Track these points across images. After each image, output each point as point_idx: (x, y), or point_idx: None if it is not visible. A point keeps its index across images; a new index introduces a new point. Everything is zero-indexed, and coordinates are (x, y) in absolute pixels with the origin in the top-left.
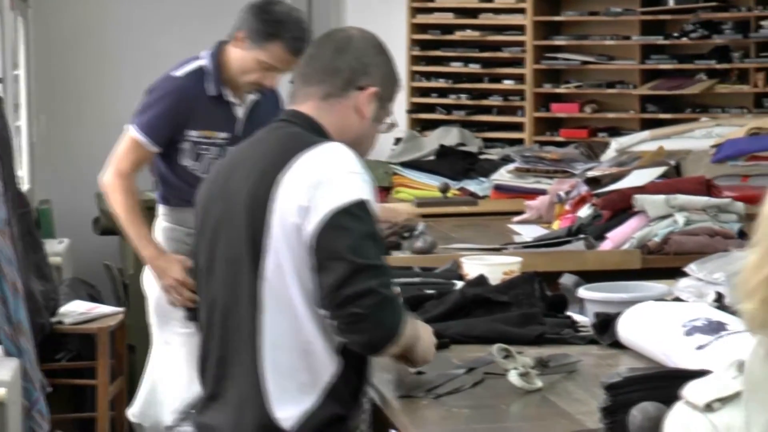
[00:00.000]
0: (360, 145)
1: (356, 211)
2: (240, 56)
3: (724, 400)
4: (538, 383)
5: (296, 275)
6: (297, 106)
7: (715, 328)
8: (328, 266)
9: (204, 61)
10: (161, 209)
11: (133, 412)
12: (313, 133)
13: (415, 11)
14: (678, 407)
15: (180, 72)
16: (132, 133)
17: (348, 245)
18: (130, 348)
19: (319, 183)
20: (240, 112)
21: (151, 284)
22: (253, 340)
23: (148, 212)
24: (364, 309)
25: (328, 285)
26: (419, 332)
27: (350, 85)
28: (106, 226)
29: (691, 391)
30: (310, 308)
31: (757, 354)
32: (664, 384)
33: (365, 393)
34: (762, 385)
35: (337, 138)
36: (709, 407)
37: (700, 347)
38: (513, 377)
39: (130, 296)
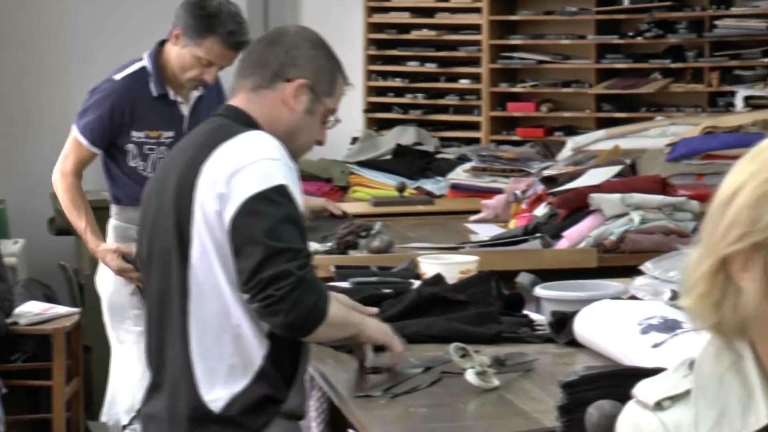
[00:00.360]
0: (294, 137)
1: (273, 196)
2: (178, 54)
3: (674, 399)
4: (495, 382)
5: (221, 261)
6: (232, 100)
7: (670, 326)
8: (244, 251)
9: (145, 62)
10: (113, 209)
11: (102, 412)
12: (243, 124)
13: (371, 11)
14: (629, 406)
15: (120, 75)
16: (74, 133)
17: (263, 229)
18: (86, 349)
19: (237, 170)
20: (185, 110)
21: (104, 284)
22: (184, 326)
23: (100, 212)
24: (280, 291)
25: (246, 269)
26: (362, 315)
27: (278, 77)
28: (62, 227)
29: (641, 389)
30: (236, 293)
31: (707, 352)
32: (621, 382)
33: (300, 377)
34: (711, 383)
35: (269, 130)
36: (659, 406)
37: (655, 345)
38: (470, 376)
39: (86, 297)
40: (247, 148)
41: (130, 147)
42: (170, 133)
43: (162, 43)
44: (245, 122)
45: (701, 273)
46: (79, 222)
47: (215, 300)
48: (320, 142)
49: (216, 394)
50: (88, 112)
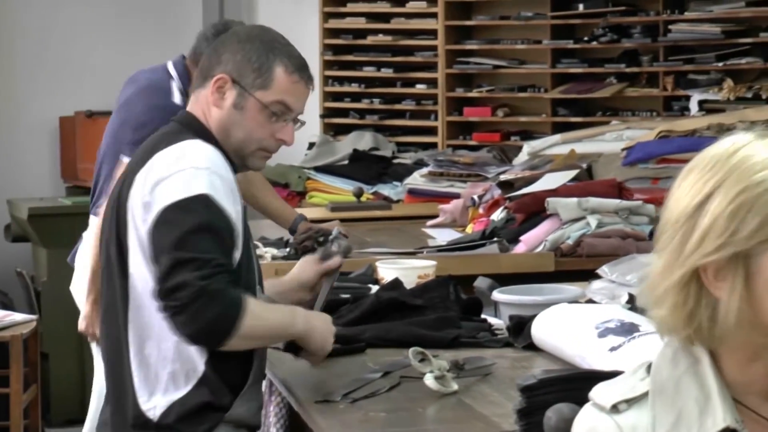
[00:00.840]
0: (228, 134)
1: (190, 204)
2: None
3: (631, 402)
4: (454, 386)
5: (151, 272)
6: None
7: (627, 330)
8: (157, 260)
9: (180, 84)
10: (95, 220)
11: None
12: (189, 129)
13: (328, 16)
14: (585, 409)
15: (177, 99)
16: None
17: (172, 239)
18: (44, 356)
19: (161, 179)
20: None
21: (82, 296)
22: (126, 334)
23: (55, 219)
24: (178, 302)
25: (156, 279)
26: (312, 322)
27: (207, 76)
28: (18, 233)
29: (598, 392)
30: None
31: (665, 355)
32: (579, 385)
33: (252, 385)
34: (668, 386)
35: (213, 130)
36: (615, 408)
37: (613, 348)
38: (429, 380)
39: (43, 304)
40: (176, 157)
41: None
42: None
43: (185, 62)
44: (192, 127)
45: (671, 284)
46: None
47: (154, 308)
48: (285, 142)
49: (154, 402)
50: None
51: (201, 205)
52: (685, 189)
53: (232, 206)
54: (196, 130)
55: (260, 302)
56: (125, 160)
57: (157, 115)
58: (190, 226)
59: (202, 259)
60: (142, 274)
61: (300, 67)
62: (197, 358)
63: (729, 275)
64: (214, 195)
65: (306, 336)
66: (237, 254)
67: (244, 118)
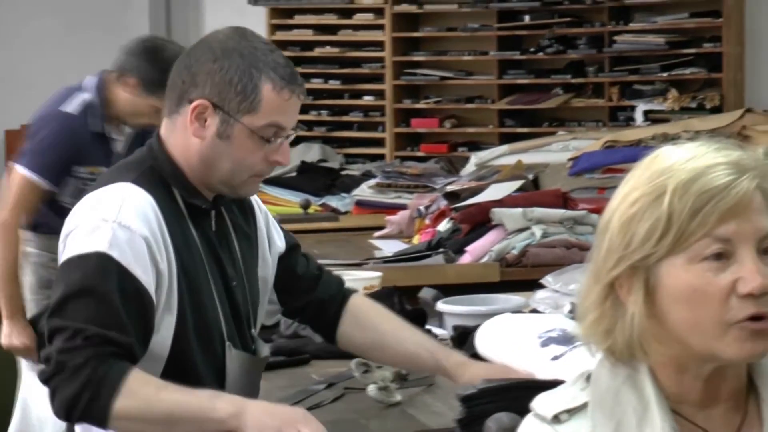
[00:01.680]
0: (212, 167)
1: (81, 262)
2: (131, 101)
3: (572, 412)
4: (397, 397)
5: None
6: None
7: (569, 339)
8: None
9: (88, 96)
10: (27, 234)
11: None
12: (138, 165)
13: (275, 28)
14: (527, 419)
15: (71, 108)
16: (24, 174)
17: (53, 303)
18: None
19: (71, 230)
20: (119, 146)
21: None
22: None
23: None
24: (43, 376)
25: None
26: (247, 409)
27: (183, 100)
28: None
29: (539, 402)
30: None
31: (603, 365)
32: (519, 394)
33: None
34: (607, 396)
35: (183, 159)
36: (556, 419)
37: (555, 358)
38: (372, 391)
39: None
40: (90, 206)
41: (71, 181)
42: (104, 169)
43: (105, 76)
44: (144, 164)
45: (591, 301)
46: (12, 288)
47: None
48: (280, 163)
49: None
50: (42, 148)
51: (91, 265)
52: (610, 203)
53: (146, 264)
54: (156, 157)
55: (159, 382)
56: (16, 167)
57: (44, 124)
58: (71, 290)
59: (71, 329)
60: None
61: (289, 78)
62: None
63: (634, 289)
64: (114, 253)
65: (238, 424)
66: (169, 316)
67: (231, 148)
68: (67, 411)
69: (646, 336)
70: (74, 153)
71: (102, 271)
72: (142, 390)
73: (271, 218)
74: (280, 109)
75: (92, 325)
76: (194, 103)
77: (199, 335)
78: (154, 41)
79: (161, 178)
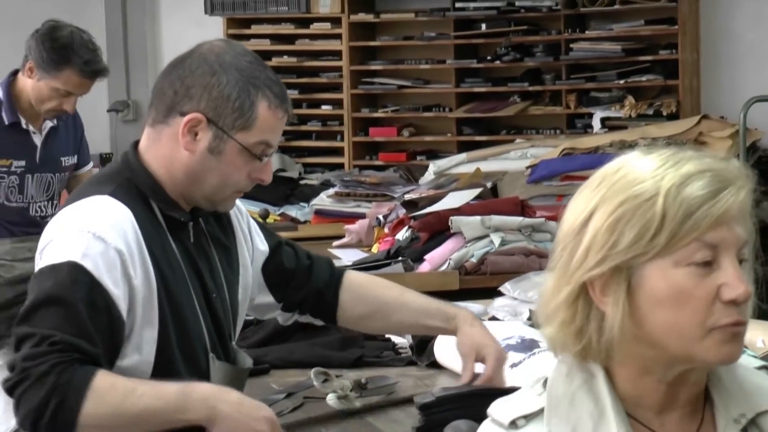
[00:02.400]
0: (198, 182)
1: (52, 272)
2: (34, 86)
3: (528, 417)
4: (357, 404)
5: None
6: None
7: (528, 346)
8: None
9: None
10: None
11: None
12: (114, 177)
13: (232, 38)
14: (484, 425)
15: None
16: None
17: (22, 311)
18: None
19: (46, 244)
20: (38, 140)
21: None
22: None
23: None
24: (8, 383)
25: None
26: (218, 407)
27: (173, 111)
28: None
29: (496, 408)
30: None
31: (560, 371)
32: (476, 402)
33: None
34: (563, 401)
35: (165, 171)
36: (513, 424)
37: (513, 365)
38: (332, 400)
39: None
40: (67, 218)
41: None
42: (21, 163)
43: (15, 72)
44: (120, 175)
45: (561, 301)
46: None
47: None
48: (263, 181)
49: None
50: None
51: (62, 274)
52: (574, 207)
53: (117, 278)
54: (127, 178)
55: (126, 383)
56: None
57: None
58: (40, 298)
59: (39, 336)
60: None
61: (282, 98)
62: None
63: (612, 289)
64: (87, 263)
65: (210, 424)
66: (150, 330)
67: (220, 163)
68: (33, 421)
69: (622, 337)
70: None
71: (73, 281)
72: (109, 394)
73: (253, 223)
74: (272, 127)
75: (59, 332)
76: (188, 117)
77: (183, 348)
78: (50, 23)
79: (138, 190)
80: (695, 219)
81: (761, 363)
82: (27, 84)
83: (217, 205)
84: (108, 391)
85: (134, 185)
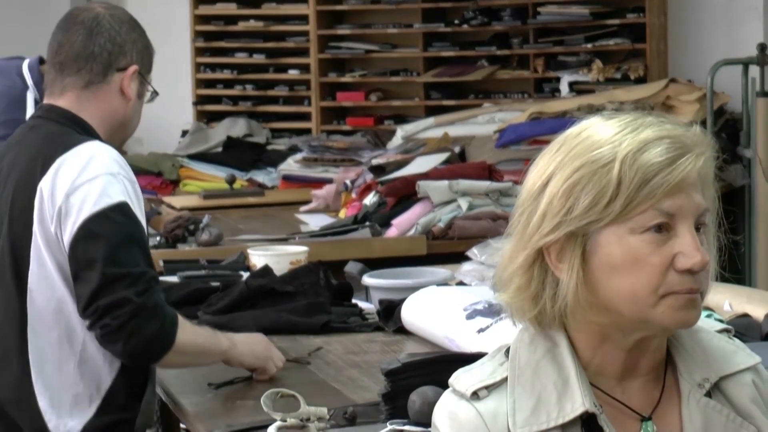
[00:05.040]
0: (128, 125)
1: (112, 215)
2: None
3: (491, 387)
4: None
5: (65, 283)
6: (54, 100)
7: (495, 311)
8: (82, 276)
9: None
10: None
11: None
12: (74, 128)
13: (197, 2)
14: (445, 395)
15: (29, 113)
16: None
17: (101, 254)
18: None
19: (75, 188)
20: None
21: None
22: (23, 356)
23: None
24: (117, 320)
25: (83, 296)
26: (233, 338)
27: (110, 69)
28: None
29: (457, 379)
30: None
31: (522, 340)
32: (442, 368)
33: (153, 391)
34: (526, 371)
35: (105, 126)
36: (475, 395)
37: (481, 330)
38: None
39: None
40: (86, 163)
41: None
42: None
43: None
44: (78, 126)
45: (517, 266)
46: None
47: (57, 326)
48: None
49: (64, 425)
50: None
51: (123, 215)
52: (533, 172)
53: (142, 212)
54: (80, 125)
55: (187, 320)
56: None
57: (10, 133)
58: (119, 238)
59: (134, 274)
60: (48, 289)
61: None
62: (102, 377)
63: (567, 255)
64: (132, 202)
65: (231, 353)
66: None
67: (140, 106)
68: (146, 349)
69: (576, 303)
70: None
71: (130, 219)
72: (187, 326)
73: None
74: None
75: (145, 269)
76: (132, 68)
77: None
78: None
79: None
80: (651, 186)
81: (722, 326)
82: None
83: (123, 146)
84: (186, 323)
85: (94, 137)
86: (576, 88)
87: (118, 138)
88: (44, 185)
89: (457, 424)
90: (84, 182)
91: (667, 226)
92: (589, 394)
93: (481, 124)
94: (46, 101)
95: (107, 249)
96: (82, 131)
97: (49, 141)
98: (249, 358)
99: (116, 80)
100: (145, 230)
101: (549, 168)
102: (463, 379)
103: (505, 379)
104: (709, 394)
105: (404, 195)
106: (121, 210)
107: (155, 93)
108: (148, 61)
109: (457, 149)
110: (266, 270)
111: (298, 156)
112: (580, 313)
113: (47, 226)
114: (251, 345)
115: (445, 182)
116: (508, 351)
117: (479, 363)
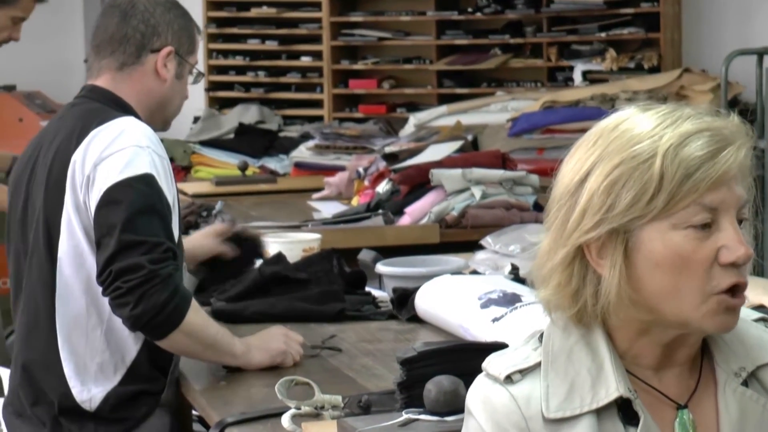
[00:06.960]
0: (168, 105)
1: (136, 184)
2: None
3: (524, 372)
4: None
5: (94, 254)
6: (94, 80)
7: (510, 300)
8: (102, 243)
9: None
10: None
11: None
12: (112, 106)
13: None
14: (479, 379)
15: None
16: None
17: (119, 220)
18: None
19: (103, 158)
20: None
21: None
22: (51, 324)
23: None
24: (127, 284)
25: (100, 261)
26: (249, 345)
27: (143, 50)
28: None
29: (491, 362)
30: None
31: (557, 325)
32: (458, 357)
33: (176, 366)
34: (560, 356)
35: (142, 105)
36: (509, 379)
37: (495, 319)
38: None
39: None
40: (116, 136)
41: None
42: None
43: None
44: (116, 104)
45: (556, 263)
46: None
47: (85, 294)
48: (186, 98)
49: (89, 392)
50: None
51: (146, 185)
52: (570, 165)
53: (169, 188)
54: (118, 104)
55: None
56: None
57: None
58: (137, 207)
59: (150, 243)
60: (73, 260)
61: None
62: (126, 347)
63: (609, 252)
64: (157, 175)
65: (244, 360)
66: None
67: (182, 86)
68: (152, 316)
69: (619, 301)
70: None
71: (153, 190)
72: (200, 310)
73: None
74: (198, 48)
75: (163, 240)
76: (164, 50)
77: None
78: None
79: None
80: (694, 180)
81: (758, 315)
82: None
83: (168, 126)
84: (200, 308)
85: (131, 115)
86: (589, 77)
87: (159, 118)
88: (77, 156)
89: (491, 407)
90: (112, 153)
91: (710, 221)
92: (624, 380)
93: (493, 113)
94: (87, 82)
95: (126, 216)
96: (120, 109)
97: (86, 116)
98: (266, 361)
99: (150, 61)
100: (173, 206)
101: (586, 163)
102: (496, 363)
103: (539, 364)
104: (745, 383)
105: (417, 183)
106: (145, 180)
107: (201, 74)
108: (188, 41)
109: (469, 137)
110: (280, 257)
111: (310, 143)
112: (621, 311)
113: (77, 195)
114: (266, 344)
115: (459, 171)
116: (541, 336)
117: (512, 348)
